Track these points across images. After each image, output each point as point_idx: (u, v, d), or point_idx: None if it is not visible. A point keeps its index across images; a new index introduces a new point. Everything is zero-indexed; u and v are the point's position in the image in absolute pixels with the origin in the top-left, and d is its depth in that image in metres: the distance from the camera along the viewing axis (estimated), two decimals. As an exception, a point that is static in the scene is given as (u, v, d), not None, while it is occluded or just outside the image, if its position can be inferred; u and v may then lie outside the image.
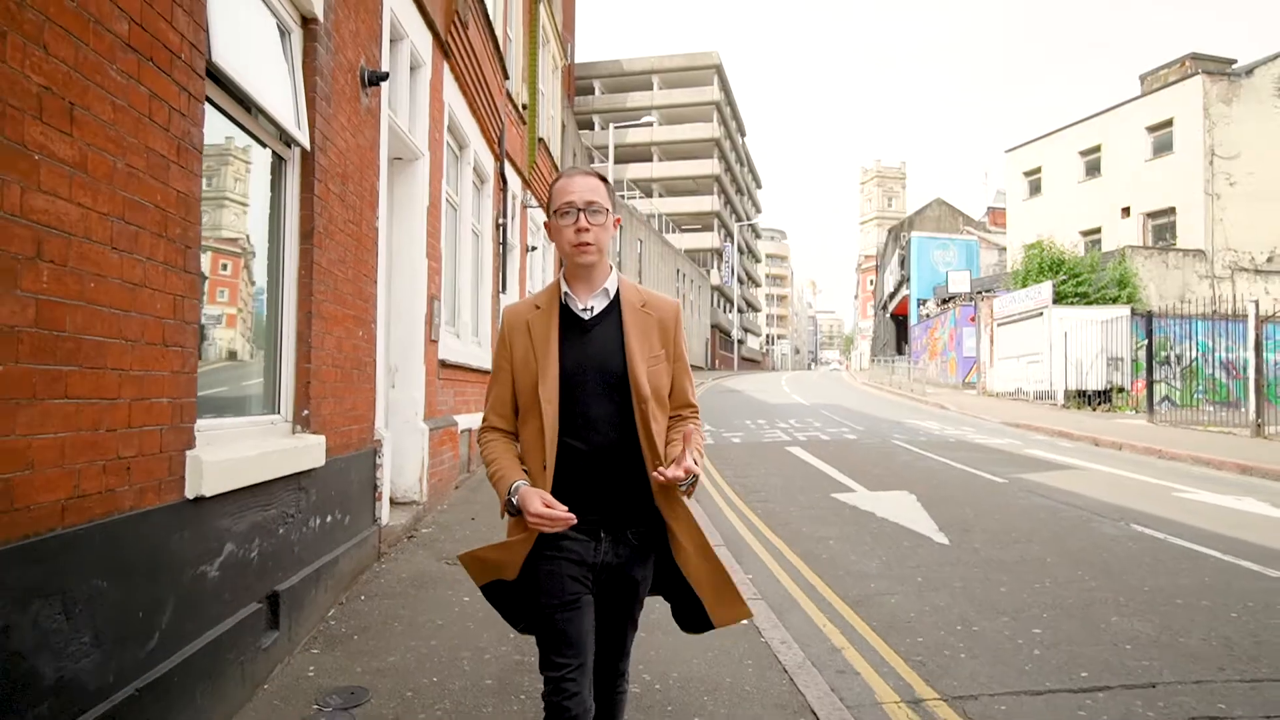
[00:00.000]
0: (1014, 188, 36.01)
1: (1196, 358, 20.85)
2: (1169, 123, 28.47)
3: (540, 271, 14.06)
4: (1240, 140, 27.17)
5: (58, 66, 2.06)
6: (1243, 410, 15.00)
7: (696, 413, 2.18)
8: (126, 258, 2.36)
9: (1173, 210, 28.36)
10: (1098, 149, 31.43)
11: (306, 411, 4.00)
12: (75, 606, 2.12)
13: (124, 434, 2.36)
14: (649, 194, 59.99)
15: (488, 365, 9.77)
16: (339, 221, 4.47)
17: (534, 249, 13.27)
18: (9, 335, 1.90)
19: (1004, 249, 38.07)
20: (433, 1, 6.76)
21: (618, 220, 2.12)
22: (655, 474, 1.92)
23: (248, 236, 3.78)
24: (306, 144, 3.99)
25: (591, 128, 56.00)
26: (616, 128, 33.84)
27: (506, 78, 10.45)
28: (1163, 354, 21.02)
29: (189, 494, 2.73)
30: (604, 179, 2.09)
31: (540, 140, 12.98)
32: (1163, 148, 28.73)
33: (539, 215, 12.89)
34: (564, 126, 19.87)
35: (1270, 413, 13.57)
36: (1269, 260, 27.44)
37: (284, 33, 3.96)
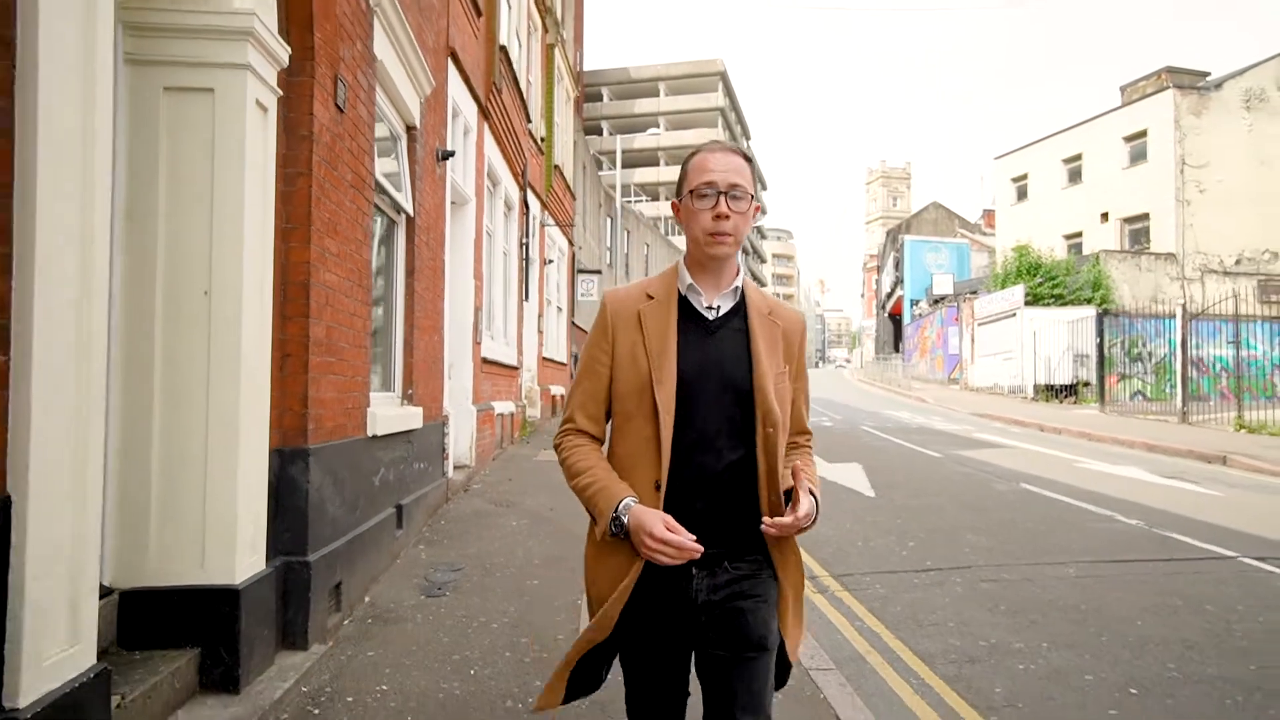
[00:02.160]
0: (1002, 193, 37.79)
1: (1168, 354, 22.66)
2: (1144, 133, 30.24)
3: (555, 281, 16.05)
4: (1210, 150, 28.91)
5: (335, 205, 4.05)
6: (1210, 402, 16.82)
7: (810, 439, 1.95)
8: (348, 300, 4.35)
9: (1147, 216, 30.13)
10: (1079, 157, 33.22)
11: (411, 390, 5.99)
12: (335, 483, 4.10)
13: (351, 395, 4.35)
14: (655, 198, 61.96)
15: (514, 362, 11.77)
16: (425, 260, 6.46)
17: (550, 262, 15.27)
18: (318, 342, 3.88)
19: (994, 251, 39.87)
20: (476, 77, 8.74)
21: (758, 208, 1.81)
22: (765, 525, 1.67)
23: (376, 275, 5.77)
24: (411, 212, 5.99)
25: (600, 133, 58.01)
26: (624, 135, 35.77)
27: (529, 120, 12.43)
28: (1135, 351, 22.89)
29: (369, 433, 4.71)
30: (749, 157, 1.81)
31: (556, 167, 14.97)
32: (1138, 157, 30.50)
33: (555, 233, 14.88)
34: (575, 144, 21.76)
35: (1206, 403, 15.42)
36: (1237, 263, 29.16)
37: (395, 138, 5.94)
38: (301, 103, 3.72)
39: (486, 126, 9.37)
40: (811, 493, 1.69)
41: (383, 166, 5.29)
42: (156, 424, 3.06)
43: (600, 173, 37.53)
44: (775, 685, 1.79)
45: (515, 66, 11.09)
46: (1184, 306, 16.03)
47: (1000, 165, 37.76)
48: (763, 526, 1.67)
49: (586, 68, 47.63)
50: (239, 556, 3.15)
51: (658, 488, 1.68)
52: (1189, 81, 30.89)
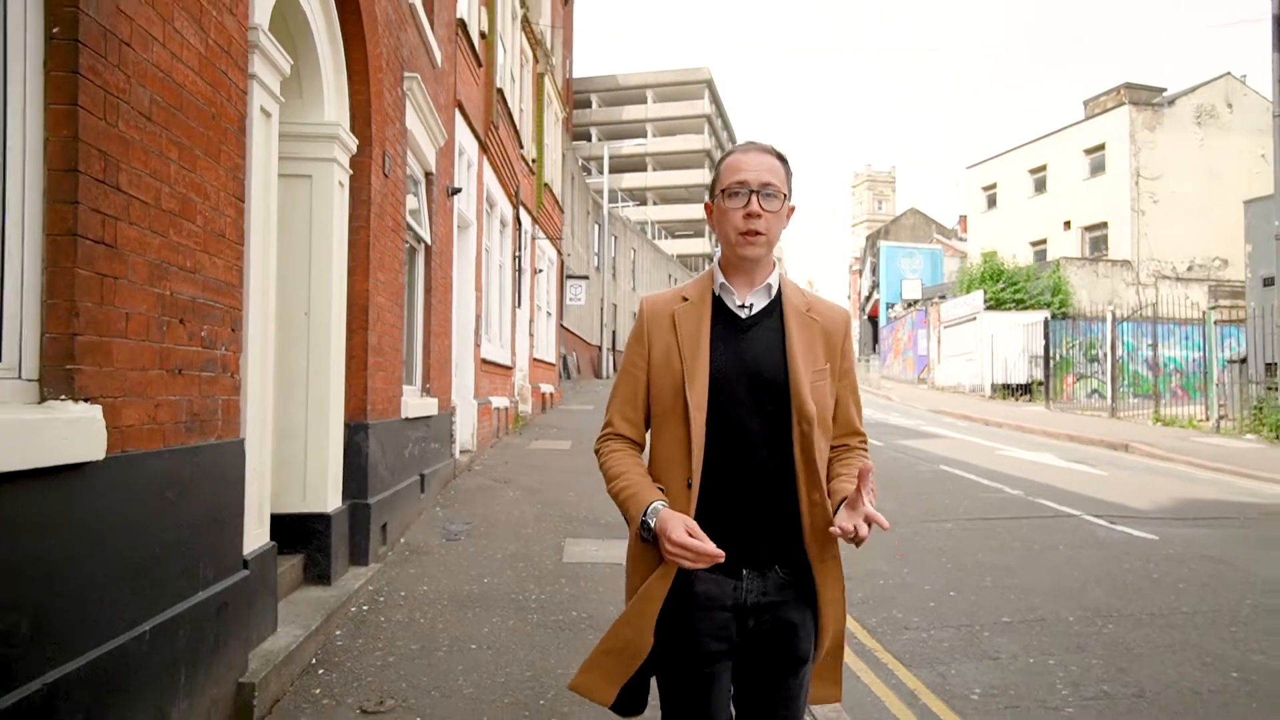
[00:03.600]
0: (974, 201, 39.50)
1: (1123, 355, 24.32)
2: (1102, 146, 31.98)
3: (545, 288, 17.53)
4: (1163, 162, 30.65)
5: (382, 247, 5.53)
6: (1164, 399, 18.39)
7: (865, 442, 1.87)
8: (390, 315, 5.82)
9: (1105, 224, 31.86)
10: (1044, 168, 34.93)
11: (429, 384, 7.47)
12: (383, 450, 5.57)
13: (391, 386, 5.83)
14: (643, 202, 63.46)
15: (509, 362, 13.24)
16: (438, 278, 7.93)
17: (540, 271, 16.75)
18: (373, 348, 5.35)
19: (966, 256, 41.58)
20: (477, 120, 10.21)
21: (792, 209, 1.79)
22: (833, 529, 1.60)
23: (406, 293, 7.24)
24: (429, 241, 7.47)
25: (589, 139, 59.51)
26: (612, 141, 37.26)
27: (521, 146, 13.91)
28: (1092, 352, 24.55)
29: (402, 416, 6.18)
30: (783, 158, 1.76)
31: (546, 185, 16.45)
32: (1097, 168, 32.23)
33: (545, 245, 16.35)
34: (564, 156, 23.25)
35: (1159, 400, 17.01)
36: (1189, 269, 30.92)
37: (417, 182, 7.41)
38: (362, 176, 5.20)
39: (485, 159, 10.84)
40: (872, 495, 1.62)
41: (409, 204, 6.77)
42: (272, 404, 4.53)
43: (589, 179, 39.06)
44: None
45: (509, 101, 12.56)
46: (1113, 312, 17.69)
47: (972, 174, 39.47)
48: (832, 529, 1.61)
49: (576, 75, 49.17)
50: (328, 493, 4.63)
51: (689, 486, 1.65)
52: (1145, 98, 32.65)
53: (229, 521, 3.12)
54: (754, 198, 1.68)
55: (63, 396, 2.12)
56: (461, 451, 9.50)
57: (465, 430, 9.75)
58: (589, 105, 62.54)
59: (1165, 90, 34.28)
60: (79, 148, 2.14)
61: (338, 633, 4.13)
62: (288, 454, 4.52)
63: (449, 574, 5.22)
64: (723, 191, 1.72)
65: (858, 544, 1.61)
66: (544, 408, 16.89)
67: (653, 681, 1.76)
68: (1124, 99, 32.69)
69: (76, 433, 2.10)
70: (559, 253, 20.02)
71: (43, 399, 2.10)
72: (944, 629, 4.52)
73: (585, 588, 5.04)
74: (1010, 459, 11.22)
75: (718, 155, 61.94)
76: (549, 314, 19.10)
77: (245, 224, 3.29)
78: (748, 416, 1.69)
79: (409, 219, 6.66)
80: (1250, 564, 5.85)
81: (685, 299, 1.79)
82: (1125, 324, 21.98)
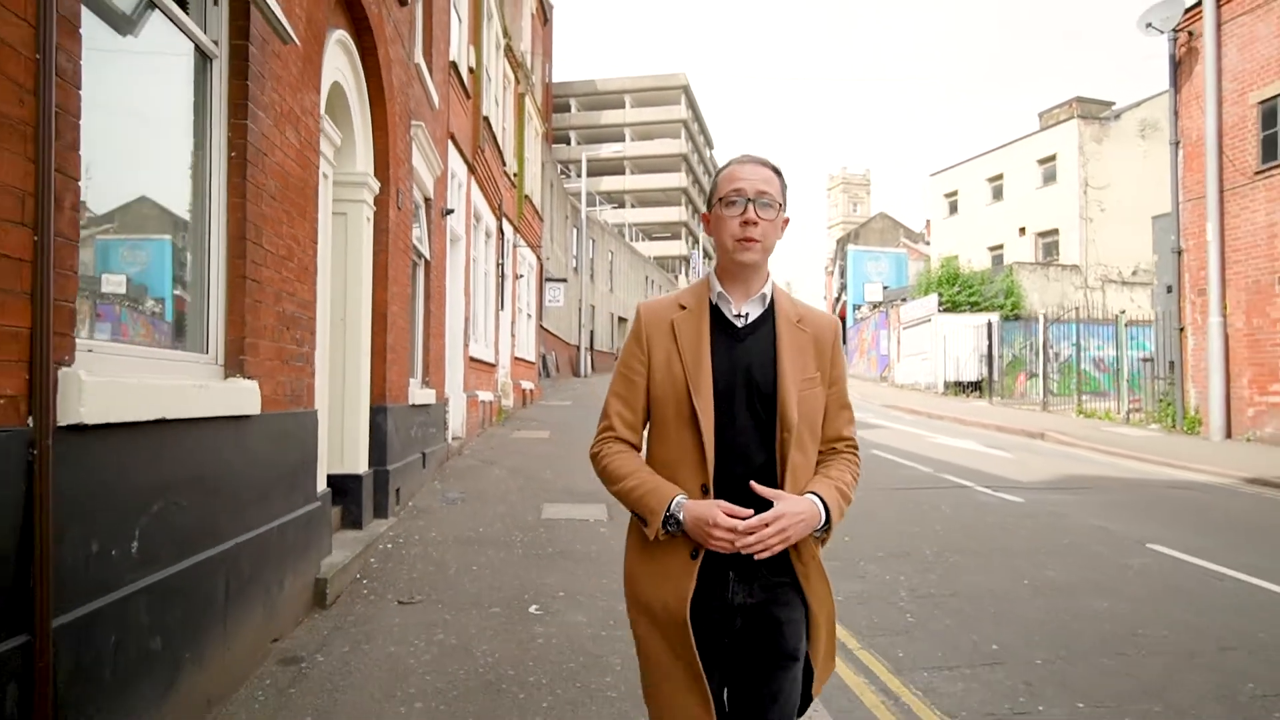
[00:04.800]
0: (937, 207, 41.30)
1: (1072, 355, 26.05)
2: (1054, 157, 33.81)
3: (525, 292, 18.89)
4: (1110, 173, 32.52)
5: (395, 265, 6.90)
6: (1113, 396, 20.02)
7: (854, 449, 1.92)
8: (401, 320, 7.19)
9: (1057, 231, 33.70)
10: (1001, 177, 36.74)
11: (428, 378, 8.83)
12: (395, 429, 6.94)
13: (402, 378, 7.21)
14: (621, 205, 64.85)
15: (493, 360, 14.60)
16: (435, 288, 9.29)
17: (521, 277, 18.12)
18: (390, 347, 6.72)
19: (929, 260, 43.40)
20: (466, 145, 11.58)
21: (787, 220, 1.84)
22: (753, 484, 1.68)
23: (411, 301, 8.60)
24: (429, 257, 8.84)
25: (568, 143, 60.83)
26: (590, 145, 38.58)
27: (504, 164, 15.28)
28: (1046, 351, 26.25)
29: (409, 402, 7.55)
30: (778, 170, 1.84)
31: (526, 196, 17.82)
32: (1049, 178, 34.06)
33: (526, 252, 17.71)
34: (544, 165, 24.60)
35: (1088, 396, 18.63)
36: (1134, 274, 32.82)
37: (417, 206, 8.77)
38: (382, 210, 6.57)
39: (473, 179, 12.20)
40: (824, 500, 1.70)
41: (417, 233, 8.14)
42: (327, 388, 5.90)
43: (568, 181, 40.39)
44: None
45: (493, 124, 13.92)
46: (1044, 315, 19.33)
47: (935, 182, 41.26)
48: (752, 483, 1.67)
49: (555, 79, 50.46)
50: (359, 459, 6.00)
51: (705, 491, 1.68)
52: (1094, 111, 34.53)
53: (310, 466, 4.51)
54: (750, 206, 1.75)
55: (237, 375, 3.51)
56: (453, 438, 10.86)
57: (456, 419, 11.11)
58: (568, 109, 63.83)
59: (1114, 104, 36.23)
60: (246, 223, 3.52)
61: (372, 560, 5.52)
62: (331, 427, 5.89)
63: (451, 525, 6.62)
64: (720, 200, 1.79)
65: (821, 540, 1.78)
66: (524, 403, 18.25)
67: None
68: (1075, 112, 34.56)
69: (245, 397, 3.48)
70: (538, 259, 21.39)
71: (227, 376, 3.49)
72: (832, 561, 5.94)
73: (559, 534, 6.45)
74: (936, 445, 12.75)
75: (694, 160, 63.09)
76: (529, 316, 20.46)
77: (318, 259, 4.67)
78: (743, 423, 1.74)
79: (414, 240, 8.03)
80: (1084, 517, 7.38)
81: (683, 306, 1.84)
82: (1074, 325, 23.72)
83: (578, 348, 34.19)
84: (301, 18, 4.23)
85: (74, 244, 2.25)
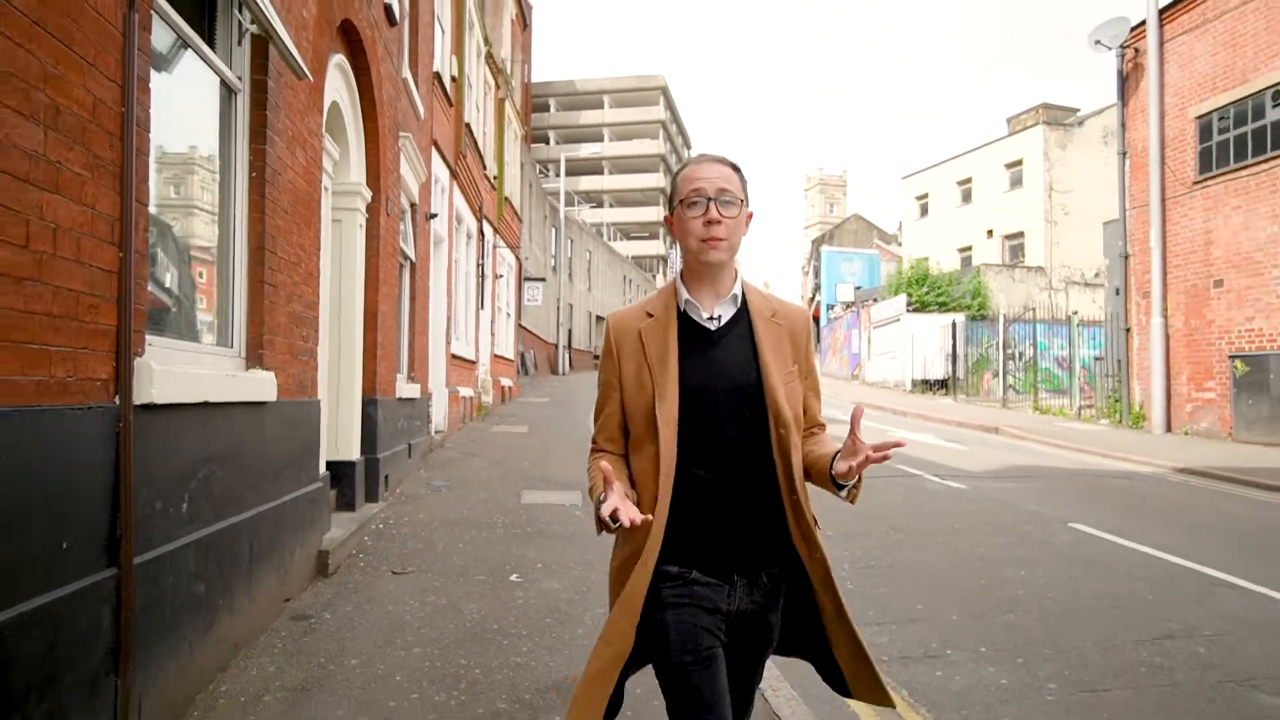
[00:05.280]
0: (908, 209, 42.23)
1: (1035, 354, 26.94)
2: (1020, 162, 34.80)
3: (505, 292, 19.38)
4: (1074, 178, 33.55)
5: (385, 268, 7.41)
6: (1070, 393, 20.91)
7: (825, 431, 1.98)
8: (390, 320, 7.69)
9: (1023, 234, 34.69)
10: (970, 180, 37.71)
11: (413, 373, 9.34)
12: (384, 420, 7.45)
13: (390, 373, 7.71)
14: (600, 204, 65.36)
15: (474, 357, 15.09)
16: (420, 289, 9.79)
17: (500, 277, 18.61)
18: (380, 344, 7.23)
19: (901, 260, 44.37)
20: (449, 151, 12.07)
21: (750, 215, 1.84)
22: (836, 471, 1.74)
23: (399, 301, 9.10)
24: (414, 259, 9.34)
25: (547, 142, 61.24)
26: (569, 145, 39.03)
27: (485, 168, 15.76)
28: (1009, 351, 27.13)
29: (396, 396, 8.06)
30: (736, 167, 1.83)
31: (506, 199, 18.31)
32: (1016, 182, 35.06)
33: (505, 253, 18.20)
34: (523, 166, 25.07)
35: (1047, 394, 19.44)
36: (1096, 275, 33.87)
37: (404, 211, 9.27)
38: (373, 217, 7.08)
39: (455, 183, 12.70)
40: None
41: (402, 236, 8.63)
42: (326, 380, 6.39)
43: (546, 181, 40.83)
44: (846, 692, 1.87)
45: (474, 129, 14.41)
46: (1004, 315, 20.15)
47: (906, 184, 42.18)
48: (839, 466, 1.72)
49: (535, 79, 50.82)
50: (353, 447, 6.51)
51: (656, 500, 1.70)
52: (1059, 118, 35.58)
53: (314, 450, 5.03)
54: (711, 205, 1.74)
55: (256, 367, 4.03)
56: (436, 431, 11.36)
57: (439, 413, 11.61)
58: (547, 109, 64.20)
59: (1079, 110, 37.33)
60: (264, 235, 4.04)
61: (366, 538, 6.04)
62: (327, 417, 6.39)
63: (437, 508, 7.14)
64: (681, 203, 1.78)
65: (853, 496, 1.81)
66: (503, 399, 18.74)
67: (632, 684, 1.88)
68: (1041, 118, 35.58)
69: (264, 386, 4.00)
70: (518, 259, 21.87)
71: (248, 368, 4.01)
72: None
73: (537, 516, 7.00)
74: (896, 439, 13.42)
75: (673, 160, 63.66)
76: (508, 315, 20.95)
77: (321, 263, 5.19)
78: (728, 426, 1.73)
79: (401, 244, 8.53)
80: (1020, 502, 8.05)
81: (650, 315, 1.82)
82: (1032, 325, 24.66)
83: (556, 346, 34.68)
84: (309, 50, 4.74)
85: (145, 258, 2.78)
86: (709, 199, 1.75)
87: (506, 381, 19.50)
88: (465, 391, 13.80)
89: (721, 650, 1.75)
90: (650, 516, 1.66)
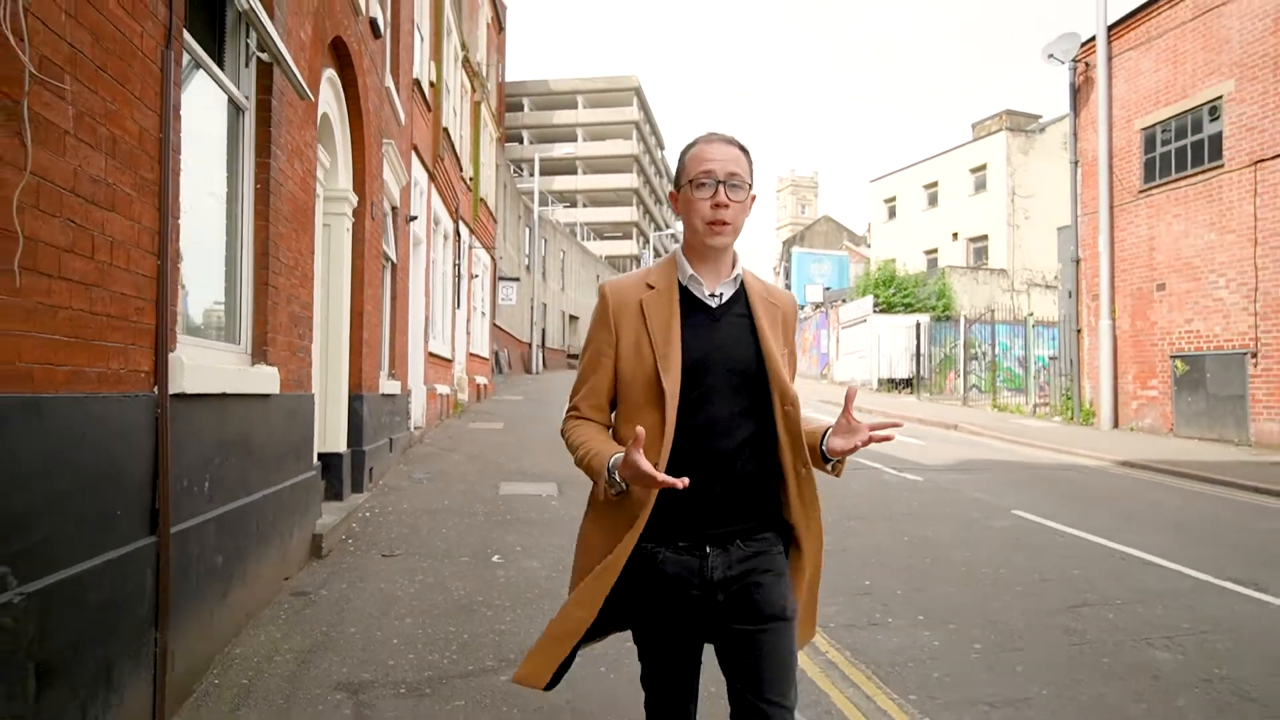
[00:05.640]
0: (876, 212, 43.08)
1: (998, 353, 27.75)
2: (984, 166, 35.71)
3: (480, 291, 19.70)
4: (1035, 183, 34.51)
5: (370, 270, 7.76)
6: (1024, 393, 21.69)
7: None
8: (374, 319, 8.04)
9: (987, 237, 35.62)
10: (936, 184, 38.58)
11: (394, 370, 9.68)
12: (369, 415, 7.80)
13: (374, 370, 8.06)
14: (573, 204, 65.68)
15: (450, 356, 15.41)
16: (401, 289, 10.13)
17: (475, 277, 18.94)
18: (365, 342, 7.58)
19: (869, 262, 45.25)
20: (428, 155, 12.40)
21: (754, 198, 1.83)
22: (833, 449, 1.77)
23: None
24: (396, 260, 9.68)
25: (521, 141, 61.40)
26: (543, 144, 39.30)
27: (461, 170, 16.08)
28: (973, 351, 27.96)
29: (379, 392, 8.40)
30: (745, 149, 1.82)
31: (481, 199, 18.63)
32: (980, 186, 35.97)
33: (480, 252, 18.52)
34: (497, 167, 25.37)
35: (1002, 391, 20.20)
36: (1055, 278, 34.86)
37: (386, 214, 9.60)
38: (359, 222, 7.43)
39: (433, 186, 13.02)
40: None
41: (387, 241, 8.97)
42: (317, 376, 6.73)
43: (520, 180, 41.08)
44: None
45: (452, 134, 14.73)
46: (965, 316, 20.86)
47: (874, 187, 43.03)
48: (838, 443, 1.75)
49: (509, 79, 50.98)
50: (340, 440, 6.86)
51: (656, 468, 1.66)
52: (1021, 124, 36.58)
53: (309, 440, 5.39)
54: (720, 188, 1.73)
55: (261, 363, 4.39)
56: (415, 427, 11.70)
57: (418, 410, 11.95)
58: (521, 109, 64.35)
59: (1041, 117, 38.39)
60: (268, 241, 4.41)
61: (354, 525, 6.40)
62: (317, 411, 6.75)
63: (420, 498, 7.52)
64: (690, 182, 1.77)
65: (837, 470, 1.83)
66: (479, 397, 19.06)
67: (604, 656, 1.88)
68: (1004, 124, 36.55)
69: (268, 380, 4.36)
70: (492, 258, 22.19)
71: (254, 363, 4.37)
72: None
73: (515, 505, 7.40)
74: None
75: (645, 160, 63.85)
76: (483, 314, 21.26)
77: (315, 266, 5.55)
78: (724, 402, 1.74)
79: (384, 246, 8.88)
80: (969, 491, 8.61)
81: (651, 286, 1.82)
82: (990, 326, 25.49)
83: (530, 345, 34.97)
84: (305, 69, 5.11)
85: (177, 266, 3.15)
86: (719, 182, 1.75)
87: (482, 379, 19.82)
88: (442, 389, 14.13)
89: (702, 639, 1.81)
90: (682, 480, 1.59)
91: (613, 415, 1.89)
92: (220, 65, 4.09)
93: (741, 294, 1.85)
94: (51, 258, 2.28)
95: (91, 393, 2.50)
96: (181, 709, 3.14)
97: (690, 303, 1.81)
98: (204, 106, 4.00)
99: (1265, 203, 11.65)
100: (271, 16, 4.32)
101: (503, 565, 5.43)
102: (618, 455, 1.68)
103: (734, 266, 1.85)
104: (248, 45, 4.30)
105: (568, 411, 1.91)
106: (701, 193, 1.75)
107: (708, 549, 1.74)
